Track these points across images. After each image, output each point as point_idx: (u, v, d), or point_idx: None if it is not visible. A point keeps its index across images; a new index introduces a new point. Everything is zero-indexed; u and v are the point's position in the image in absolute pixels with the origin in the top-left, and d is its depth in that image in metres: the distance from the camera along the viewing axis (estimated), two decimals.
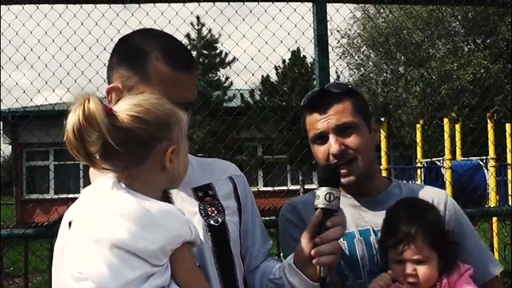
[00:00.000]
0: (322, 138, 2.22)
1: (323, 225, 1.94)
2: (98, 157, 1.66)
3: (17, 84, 4.74)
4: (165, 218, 1.68)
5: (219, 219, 2.07)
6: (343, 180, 2.19)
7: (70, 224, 1.92)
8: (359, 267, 2.17)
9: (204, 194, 2.10)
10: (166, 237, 1.65)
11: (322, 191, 1.98)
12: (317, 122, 2.22)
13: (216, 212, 2.08)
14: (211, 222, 2.05)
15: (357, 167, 2.19)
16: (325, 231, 1.93)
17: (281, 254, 4.84)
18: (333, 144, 2.17)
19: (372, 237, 2.20)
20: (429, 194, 2.32)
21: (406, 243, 2.02)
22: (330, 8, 4.32)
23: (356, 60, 29.06)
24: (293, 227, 2.30)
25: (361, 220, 2.24)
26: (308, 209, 2.25)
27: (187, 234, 1.70)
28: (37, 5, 4.09)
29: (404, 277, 2.02)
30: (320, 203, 1.97)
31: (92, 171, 1.86)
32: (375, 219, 2.23)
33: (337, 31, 21.28)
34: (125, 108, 1.67)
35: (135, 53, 1.97)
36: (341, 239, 2.12)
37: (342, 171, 2.18)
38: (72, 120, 1.60)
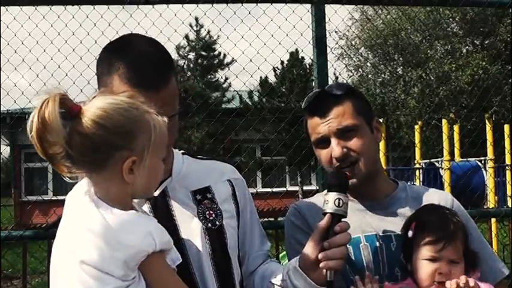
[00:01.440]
0: (324, 142, 2.21)
1: (331, 230, 1.94)
2: (60, 160, 1.62)
3: (15, 85, 4.74)
4: (126, 234, 1.63)
5: (217, 223, 2.07)
6: None
7: None
8: (364, 273, 2.15)
9: (203, 197, 2.10)
10: (126, 255, 1.61)
11: (331, 196, 1.98)
12: (318, 126, 2.21)
13: (214, 215, 2.08)
14: (209, 225, 2.05)
15: (360, 169, 2.19)
16: (333, 236, 1.93)
17: (279, 255, 4.85)
18: (335, 148, 2.17)
19: (378, 242, 2.19)
20: (436, 196, 2.32)
21: (447, 242, 2.02)
22: (329, 9, 4.32)
23: (354, 61, 29.07)
24: (298, 231, 2.29)
25: (367, 226, 2.23)
26: (313, 212, 2.28)
27: (150, 246, 1.64)
28: (35, 6, 4.09)
29: (435, 276, 2.01)
30: (329, 208, 1.97)
31: None
32: (381, 224, 2.23)
33: (335, 32, 21.26)
34: (89, 111, 1.61)
35: (108, 64, 1.91)
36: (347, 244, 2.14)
37: (345, 171, 2.18)
38: (31, 122, 1.56)
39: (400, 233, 2.20)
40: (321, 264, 1.92)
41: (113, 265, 1.59)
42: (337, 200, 1.97)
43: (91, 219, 1.63)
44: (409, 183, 2.47)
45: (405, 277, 2.13)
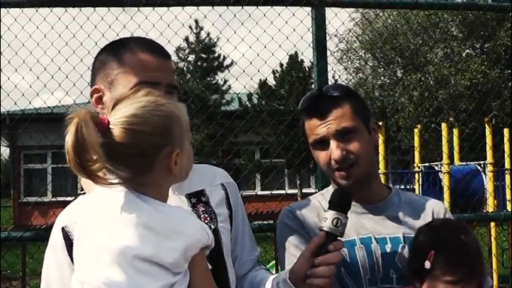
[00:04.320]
0: (322, 143, 2.21)
1: (324, 248, 1.95)
2: (101, 174, 1.63)
3: (15, 86, 4.75)
4: (184, 225, 1.69)
5: (212, 226, 2.08)
6: (343, 181, 2.20)
7: (63, 229, 1.93)
8: (360, 275, 2.16)
9: (197, 200, 2.11)
10: (187, 244, 1.66)
11: (330, 215, 1.99)
12: (317, 128, 2.21)
13: (209, 218, 2.09)
14: None
15: (358, 171, 2.19)
16: (325, 253, 1.94)
17: (278, 258, 4.84)
18: (334, 150, 2.17)
19: (373, 245, 2.20)
20: (429, 205, 2.34)
21: (467, 282, 1.97)
22: (329, 12, 4.33)
23: (354, 64, 29.08)
24: (291, 232, 2.29)
25: (362, 228, 2.24)
26: (306, 212, 2.30)
27: (205, 238, 1.71)
28: (36, 8, 4.09)
29: None
30: (326, 226, 1.98)
31: (84, 180, 1.84)
32: (376, 226, 2.24)
33: (335, 36, 21.27)
34: (121, 121, 1.63)
35: (111, 52, 2.06)
36: None
37: (342, 173, 2.19)
38: (68, 143, 1.57)
39: (397, 236, 2.21)
40: (307, 281, 1.93)
41: (169, 252, 1.63)
42: (335, 219, 1.97)
43: (143, 214, 1.65)
44: (402, 188, 2.48)
45: (401, 280, 2.12)
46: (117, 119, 1.64)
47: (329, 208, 2.01)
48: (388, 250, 2.19)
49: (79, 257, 1.74)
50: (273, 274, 2.20)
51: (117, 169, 1.66)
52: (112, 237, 1.65)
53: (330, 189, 2.33)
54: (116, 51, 2.05)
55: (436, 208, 2.32)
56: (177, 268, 1.65)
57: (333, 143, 2.18)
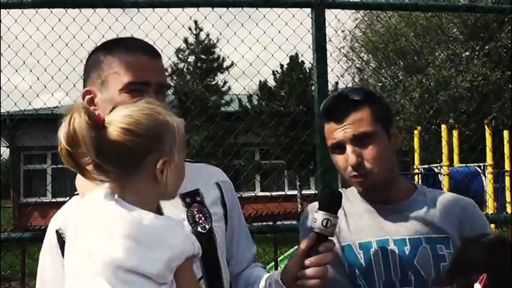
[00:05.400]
0: (340, 147, 2.18)
1: (314, 249, 1.94)
2: (89, 168, 1.66)
3: (16, 87, 4.75)
4: (168, 235, 1.68)
5: (207, 226, 2.07)
6: (359, 188, 2.20)
7: (57, 232, 1.94)
8: (374, 279, 2.12)
9: (192, 200, 2.10)
10: (171, 255, 1.65)
11: (320, 216, 1.97)
12: (334, 132, 2.18)
13: (203, 218, 2.08)
14: (199, 229, 2.05)
15: (373, 178, 2.15)
16: (316, 254, 1.94)
17: (278, 259, 4.84)
18: (350, 156, 2.13)
19: (390, 247, 2.15)
20: (456, 205, 2.25)
21: None
22: (329, 12, 4.34)
23: (355, 65, 29.05)
24: (305, 231, 2.23)
25: (379, 230, 2.19)
26: None
27: (190, 248, 1.70)
28: (37, 9, 4.10)
29: None
30: (316, 226, 1.96)
31: (78, 181, 1.86)
32: (396, 227, 2.19)
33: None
34: (116, 120, 1.66)
35: (101, 53, 2.08)
36: (357, 249, 2.14)
37: (358, 180, 2.17)
38: (61, 135, 1.59)
39: (418, 236, 2.16)
40: (298, 282, 1.93)
41: (153, 264, 1.62)
42: (325, 220, 1.95)
43: (127, 224, 1.65)
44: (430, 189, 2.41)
45: (419, 283, 2.07)
46: (112, 118, 1.67)
47: (319, 209, 2.00)
48: (406, 252, 2.14)
49: (68, 262, 1.75)
50: (268, 272, 2.20)
51: (104, 167, 1.66)
52: (98, 247, 1.64)
53: (353, 189, 2.29)
54: (107, 52, 2.07)
55: (463, 209, 2.23)
56: (162, 279, 1.64)
57: (348, 148, 2.15)
